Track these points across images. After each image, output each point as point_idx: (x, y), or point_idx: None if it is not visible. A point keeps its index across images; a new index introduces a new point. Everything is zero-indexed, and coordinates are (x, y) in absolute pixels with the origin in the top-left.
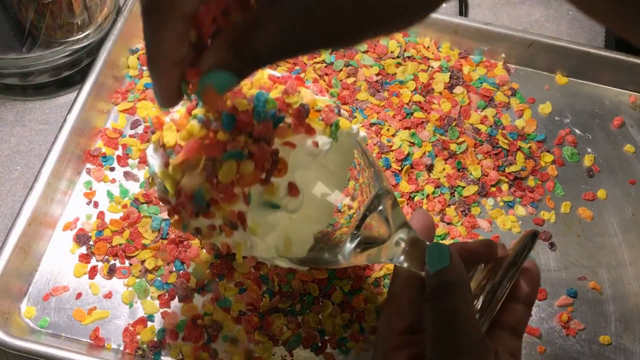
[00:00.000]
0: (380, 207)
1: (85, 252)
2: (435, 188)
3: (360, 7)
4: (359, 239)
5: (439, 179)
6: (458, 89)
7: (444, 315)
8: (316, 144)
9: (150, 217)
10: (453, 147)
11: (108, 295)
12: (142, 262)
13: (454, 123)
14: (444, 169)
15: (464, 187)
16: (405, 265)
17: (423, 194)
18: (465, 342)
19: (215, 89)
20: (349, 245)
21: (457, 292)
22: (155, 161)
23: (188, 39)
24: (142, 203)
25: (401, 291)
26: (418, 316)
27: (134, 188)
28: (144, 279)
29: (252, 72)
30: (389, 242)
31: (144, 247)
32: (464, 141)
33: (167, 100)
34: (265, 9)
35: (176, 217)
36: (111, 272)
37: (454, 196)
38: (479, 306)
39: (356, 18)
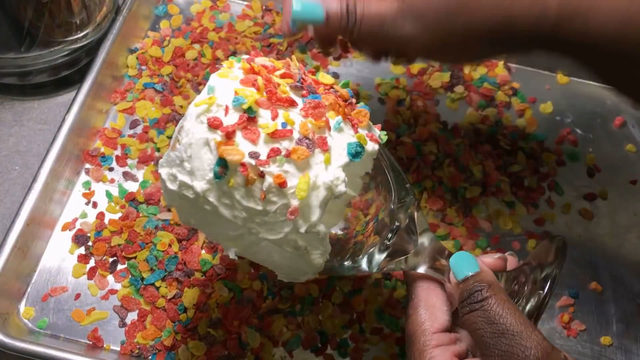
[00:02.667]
0: (408, 218)
1: (84, 252)
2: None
3: None
4: (389, 250)
5: (441, 177)
6: (458, 89)
7: (488, 319)
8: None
9: (148, 217)
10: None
11: (106, 297)
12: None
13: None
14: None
15: (465, 189)
16: (427, 272)
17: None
18: (525, 339)
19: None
20: (378, 256)
21: (496, 294)
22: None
23: None
24: (141, 203)
25: (427, 292)
26: (450, 316)
27: (133, 188)
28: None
29: None
30: (414, 250)
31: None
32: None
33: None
34: None
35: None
36: (111, 271)
37: (456, 198)
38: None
39: None
